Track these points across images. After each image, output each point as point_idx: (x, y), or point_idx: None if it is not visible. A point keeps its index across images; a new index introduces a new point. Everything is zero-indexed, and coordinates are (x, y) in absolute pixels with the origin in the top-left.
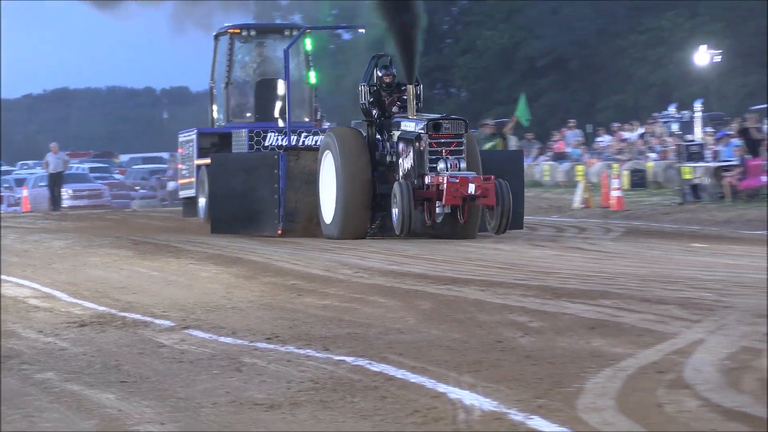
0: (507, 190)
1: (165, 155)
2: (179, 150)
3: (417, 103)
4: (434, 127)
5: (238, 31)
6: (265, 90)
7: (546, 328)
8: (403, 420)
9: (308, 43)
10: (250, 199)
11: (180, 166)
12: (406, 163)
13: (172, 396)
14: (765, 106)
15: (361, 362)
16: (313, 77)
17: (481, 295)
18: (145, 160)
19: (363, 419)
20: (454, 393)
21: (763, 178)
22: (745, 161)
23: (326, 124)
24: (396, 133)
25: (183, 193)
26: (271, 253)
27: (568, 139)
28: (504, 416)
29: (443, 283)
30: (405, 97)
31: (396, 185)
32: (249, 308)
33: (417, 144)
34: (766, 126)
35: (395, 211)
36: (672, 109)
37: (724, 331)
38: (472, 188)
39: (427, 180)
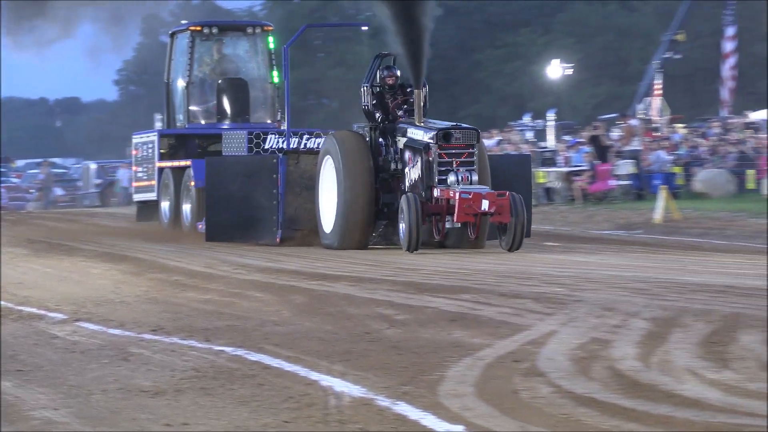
0: (521, 205)
1: (58, 161)
2: (134, 152)
3: (423, 107)
4: (444, 137)
5: (199, 28)
6: (227, 89)
7: (410, 321)
8: (278, 405)
9: (271, 42)
10: (248, 205)
11: (135, 168)
12: (412, 173)
13: (65, 383)
14: (613, 115)
15: (240, 352)
16: (276, 77)
17: (351, 290)
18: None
19: (241, 405)
20: (326, 380)
21: (611, 182)
22: (594, 166)
23: (284, 124)
24: (402, 140)
25: (139, 197)
26: (157, 251)
27: None
28: (372, 402)
29: (315, 279)
30: (411, 100)
31: (403, 199)
32: (136, 302)
33: (425, 154)
34: (613, 134)
35: (402, 226)
36: (527, 119)
37: (575, 323)
38: (485, 205)
39: (436, 193)
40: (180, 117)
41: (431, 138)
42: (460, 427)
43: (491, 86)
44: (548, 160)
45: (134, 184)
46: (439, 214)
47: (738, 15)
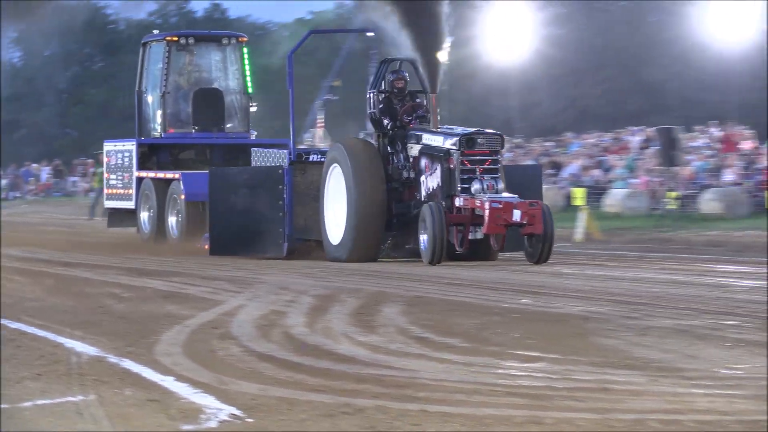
0: (550, 216)
1: None
2: (105, 159)
3: (421, 113)
4: (468, 142)
5: (176, 39)
6: (203, 99)
7: (134, 298)
8: (33, 362)
9: (245, 53)
10: (253, 217)
11: (107, 175)
12: (430, 181)
13: None
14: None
15: (4, 321)
16: (249, 87)
17: (89, 274)
18: None
19: (5, 362)
20: (69, 343)
21: None
22: None
23: (253, 134)
24: (415, 147)
25: (112, 204)
26: None
27: None
28: (104, 359)
29: (62, 266)
30: (420, 104)
31: (426, 208)
32: None
33: (446, 161)
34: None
35: (424, 237)
36: None
37: (258, 299)
38: (517, 215)
39: (458, 202)
40: (156, 126)
41: (453, 144)
42: (171, 378)
43: None
44: None
45: (106, 191)
46: (462, 225)
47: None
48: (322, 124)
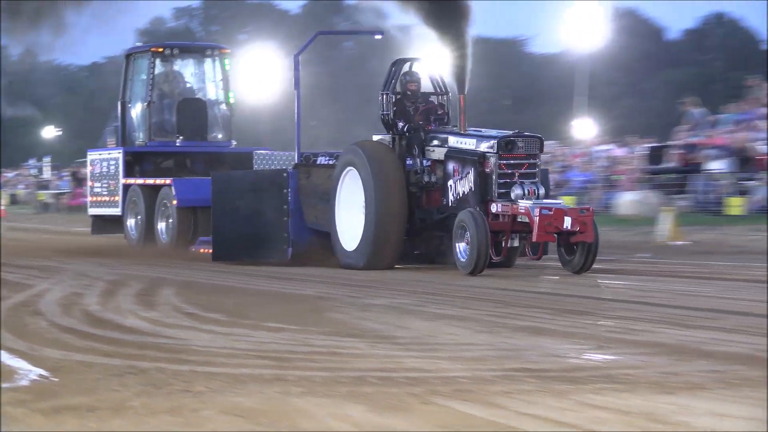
0: (595, 223)
1: None
2: (89, 168)
3: (441, 114)
4: (507, 145)
5: (161, 50)
6: (187, 109)
7: None
8: None
9: (227, 64)
10: (256, 221)
11: (91, 183)
12: (460, 186)
13: None
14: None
15: None
16: (231, 97)
17: None
18: None
19: None
20: None
21: (83, 200)
22: (74, 189)
23: (233, 143)
24: (438, 150)
25: (97, 211)
26: None
27: None
28: None
29: None
30: (436, 105)
31: (466, 215)
32: None
33: (480, 165)
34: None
35: (461, 245)
36: (32, 161)
37: (62, 284)
38: (568, 222)
39: (494, 208)
40: (140, 135)
41: (490, 147)
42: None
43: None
44: (43, 185)
45: (90, 198)
46: (502, 232)
47: None
48: None
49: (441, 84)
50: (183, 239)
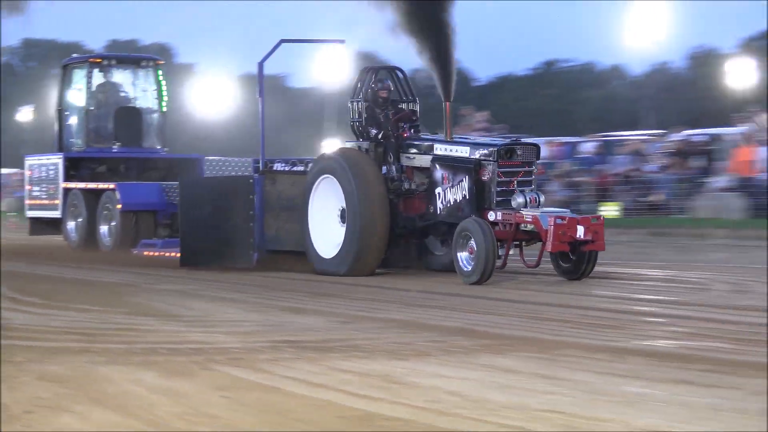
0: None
1: None
2: (28, 172)
3: (415, 121)
4: (507, 153)
5: (99, 60)
6: (124, 117)
7: None
8: None
9: (161, 74)
10: (223, 227)
11: (29, 187)
12: (451, 194)
13: None
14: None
15: None
16: (164, 106)
17: None
18: None
19: None
20: None
21: None
22: None
23: (166, 149)
24: (420, 157)
25: (35, 213)
26: None
27: None
28: None
29: None
30: (408, 112)
31: (471, 224)
32: None
33: (476, 173)
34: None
35: (463, 255)
36: None
37: None
38: (581, 231)
39: (492, 216)
40: (78, 141)
41: (487, 155)
42: None
43: None
44: None
45: (29, 201)
46: (503, 241)
47: None
48: None
49: (410, 92)
50: (125, 242)
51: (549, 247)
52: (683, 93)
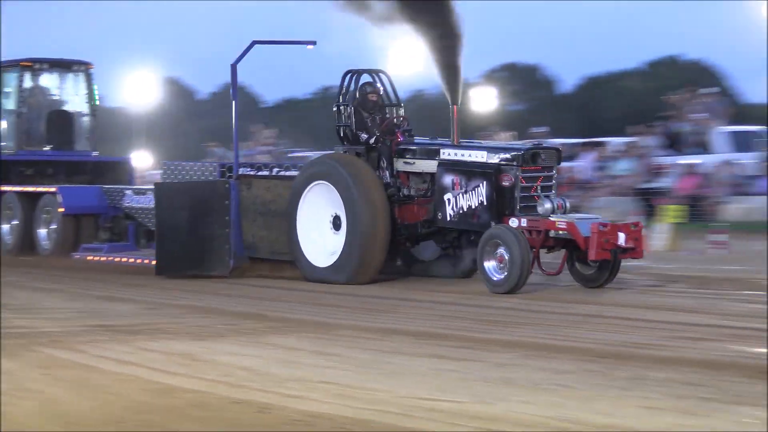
0: None
1: None
2: None
3: (408, 125)
4: (532, 158)
5: (30, 64)
6: (55, 120)
7: None
8: None
9: (92, 78)
10: (199, 233)
11: None
12: (463, 200)
13: None
14: None
15: None
16: (95, 108)
17: None
18: None
19: None
20: None
21: None
22: None
23: (94, 153)
24: (422, 162)
25: None
26: None
27: None
28: None
29: None
30: (398, 117)
31: (504, 231)
32: None
33: (496, 178)
34: None
35: (491, 264)
36: None
37: None
38: (622, 239)
39: (516, 223)
40: (9, 144)
41: (510, 159)
42: None
43: None
44: None
45: None
46: (532, 248)
47: None
48: None
49: (395, 95)
50: (66, 246)
51: (592, 255)
52: (439, 116)
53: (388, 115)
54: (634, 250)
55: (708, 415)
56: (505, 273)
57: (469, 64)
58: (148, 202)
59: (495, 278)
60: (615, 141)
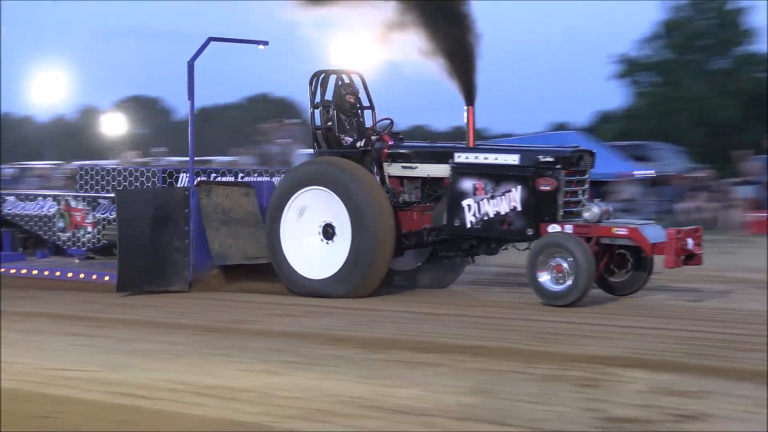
0: None
1: None
2: None
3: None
4: (578, 160)
5: None
6: None
7: None
8: None
9: None
10: (159, 245)
11: None
12: (489, 206)
13: None
14: None
15: None
16: None
17: None
18: None
19: None
20: None
21: None
22: None
23: None
24: (428, 167)
25: None
26: None
27: None
28: None
29: None
30: (378, 120)
31: (569, 240)
32: None
33: (532, 182)
34: None
35: (545, 275)
36: None
37: None
38: (691, 244)
39: (554, 230)
40: None
41: (551, 162)
42: None
43: None
44: None
45: None
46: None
47: None
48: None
49: (368, 97)
50: None
51: (668, 262)
52: (76, 135)
53: (362, 119)
54: (696, 257)
55: (289, 374)
56: (568, 283)
57: (102, 94)
58: (39, 209)
59: (553, 289)
60: (219, 159)
